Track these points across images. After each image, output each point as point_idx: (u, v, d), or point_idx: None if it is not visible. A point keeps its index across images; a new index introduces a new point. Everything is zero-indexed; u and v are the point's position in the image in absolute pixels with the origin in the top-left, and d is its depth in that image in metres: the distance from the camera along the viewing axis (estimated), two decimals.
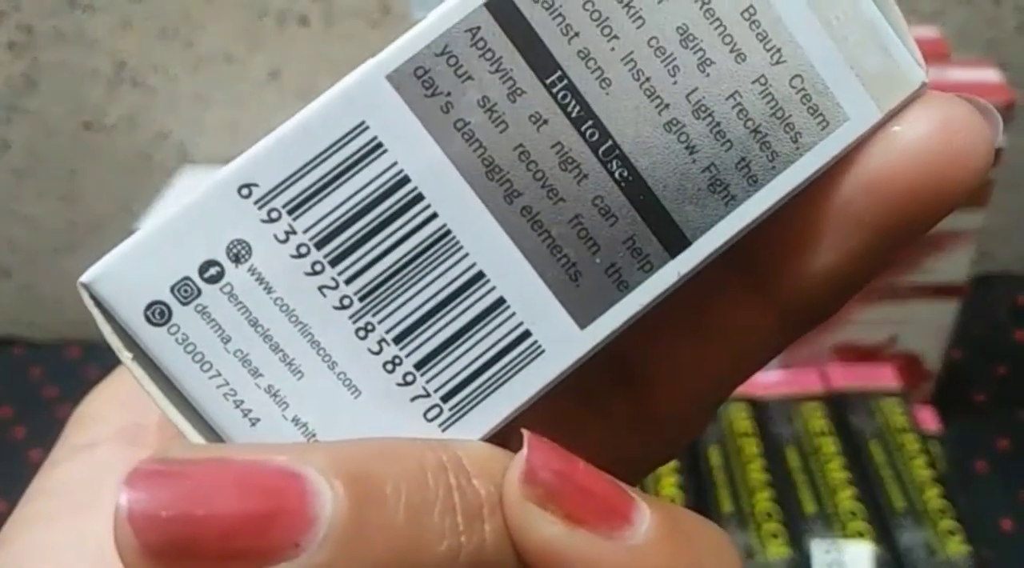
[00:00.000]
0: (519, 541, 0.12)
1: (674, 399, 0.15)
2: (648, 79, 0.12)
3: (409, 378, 0.12)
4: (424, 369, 0.12)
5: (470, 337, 0.12)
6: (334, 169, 0.12)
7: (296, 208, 0.12)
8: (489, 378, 0.12)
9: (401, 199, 0.12)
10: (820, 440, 0.45)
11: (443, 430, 0.12)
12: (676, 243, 0.12)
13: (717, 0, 0.12)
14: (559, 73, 0.12)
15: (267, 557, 0.10)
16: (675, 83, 0.12)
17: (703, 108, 0.12)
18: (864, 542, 0.40)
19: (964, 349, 0.53)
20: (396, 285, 0.12)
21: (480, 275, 0.12)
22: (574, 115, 0.12)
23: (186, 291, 0.12)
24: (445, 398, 0.12)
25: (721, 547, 0.13)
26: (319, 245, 0.12)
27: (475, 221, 0.12)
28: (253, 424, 0.12)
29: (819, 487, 0.43)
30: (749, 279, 0.14)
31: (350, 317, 0.12)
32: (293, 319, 0.12)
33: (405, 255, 0.12)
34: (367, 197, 0.12)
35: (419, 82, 0.12)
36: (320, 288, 0.12)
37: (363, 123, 0.12)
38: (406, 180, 0.12)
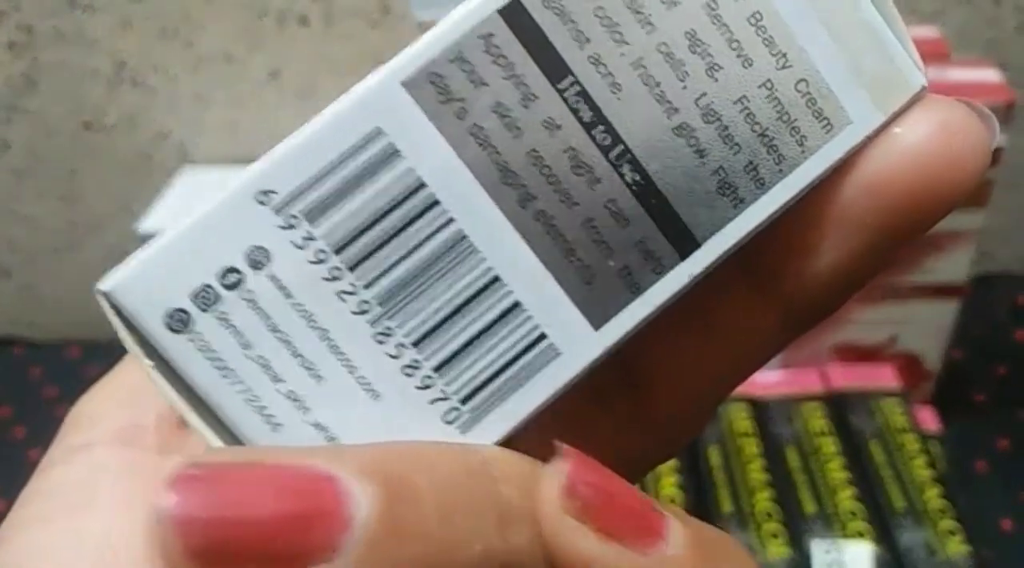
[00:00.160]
0: (555, 552, 0.12)
1: (675, 398, 0.15)
2: (658, 84, 0.12)
3: (428, 381, 0.12)
4: (443, 372, 0.12)
5: (488, 340, 0.12)
6: (351, 175, 0.12)
7: (314, 214, 0.12)
8: (506, 380, 0.12)
9: (418, 204, 0.12)
10: (820, 440, 0.45)
11: (462, 433, 0.12)
12: (687, 245, 0.12)
13: (724, 6, 0.12)
14: (571, 78, 0.12)
15: (306, 558, 0.10)
16: (684, 88, 0.12)
17: (712, 112, 0.12)
18: (864, 542, 0.40)
19: (964, 349, 0.54)
20: (414, 290, 0.12)
21: (496, 279, 0.12)
22: (586, 120, 0.12)
23: (206, 298, 0.12)
24: (464, 401, 0.12)
25: (742, 558, 0.13)
26: (337, 251, 0.12)
27: (490, 226, 0.12)
28: (275, 429, 0.12)
29: (819, 487, 0.43)
30: (751, 279, 0.14)
31: (369, 322, 0.12)
32: (312, 324, 0.12)
33: (422, 260, 0.12)
34: (384, 203, 0.12)
35: (434, 88, 0.12)
36: (339, 293, 0.12)
37: (379, 129, 0.12)
38: (422, 186, 0.12)
